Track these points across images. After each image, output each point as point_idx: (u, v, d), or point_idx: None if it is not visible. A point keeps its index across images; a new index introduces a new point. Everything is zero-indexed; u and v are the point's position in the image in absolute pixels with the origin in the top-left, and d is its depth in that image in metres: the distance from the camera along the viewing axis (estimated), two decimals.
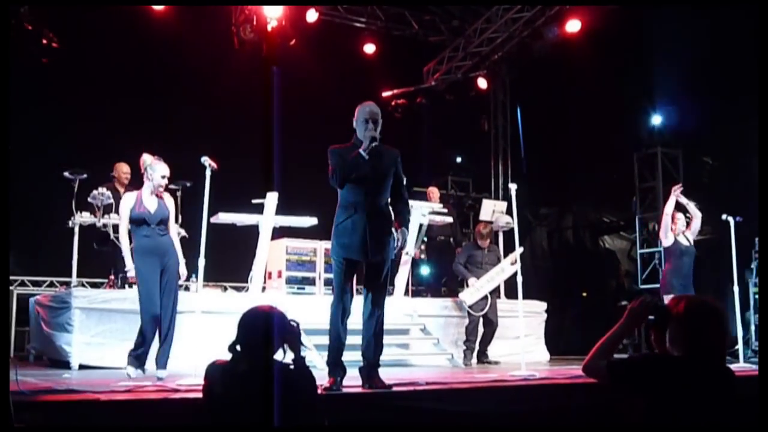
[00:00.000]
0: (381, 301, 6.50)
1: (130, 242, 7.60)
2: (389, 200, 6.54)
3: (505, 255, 10.92)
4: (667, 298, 8.67)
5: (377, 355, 6.47)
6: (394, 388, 6.24)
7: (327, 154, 6.41)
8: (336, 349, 6.35)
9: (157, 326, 7.37)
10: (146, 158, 8.10)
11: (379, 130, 6.39)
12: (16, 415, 4.15)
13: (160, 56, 12.92)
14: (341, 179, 6.29)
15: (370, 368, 6.38)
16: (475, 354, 10.49)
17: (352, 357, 6.47)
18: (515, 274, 8.83)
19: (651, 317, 3.52)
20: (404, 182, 6.69)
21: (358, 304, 6.54)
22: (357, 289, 7.18)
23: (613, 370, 3.48)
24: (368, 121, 6.37)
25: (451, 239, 12.53)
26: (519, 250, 9.30)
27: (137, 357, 7.41)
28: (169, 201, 7.75)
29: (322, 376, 6.31)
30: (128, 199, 7.59)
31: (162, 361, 7.41)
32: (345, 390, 6.12)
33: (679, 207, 9.97)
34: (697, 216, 9.96)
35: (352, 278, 6.50)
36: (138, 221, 7.46)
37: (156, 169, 7.61)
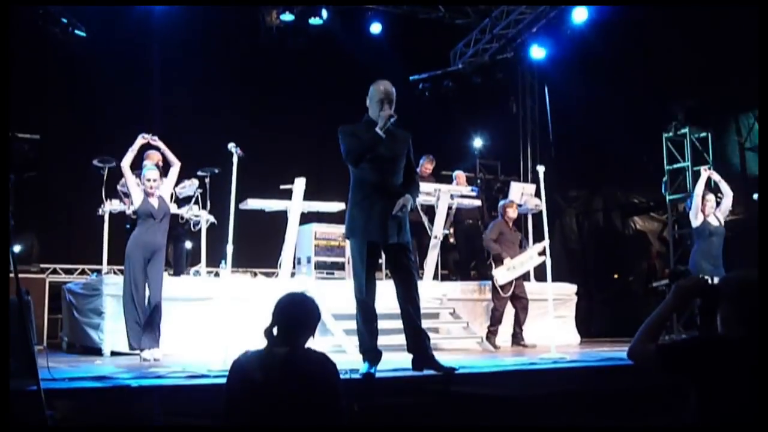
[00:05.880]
0: (414, 285, 6.38)
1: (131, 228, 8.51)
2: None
3: (534, 240, 10.87)
4: None
5: (428, 343, 6.40)
6: (426, 372, 6.22)
7: (337, 133, 6.31)
8: (364, 333, 6.27)
9: (138, 309, 7.94)
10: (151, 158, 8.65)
11: (394, 108, 6.26)
12: (47, 402, 4.19)
13: (185, 43, 12.93)
14: (357, 158, 6.16)
15: (427, 359, 6.27)
16: (510, 336, 10.44)
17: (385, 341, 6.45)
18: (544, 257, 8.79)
19: (698, 300, 3.29)
20: (414, 166, 6.61)
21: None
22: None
23: (664, 354, 3.23)
24: (383, 101, 6.24)
25: (479, 222, 12.48)
26: (546, 241, 9.25)
27: (137, 338, 7.96)
28: (164, 191, 8.46)
29: (349, 361, 6.33)
30: (139, 188, 8.33)
31: (151, 344, 7.94)
32: (379, 375, 6.07)
33: (711, 186, 9.88)
34: (728, 195, 9.87)
35: (375, 264, 6.40)
36: (145, 215, 8.14)
37: (143, 173, 8.37)
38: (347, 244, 10.54)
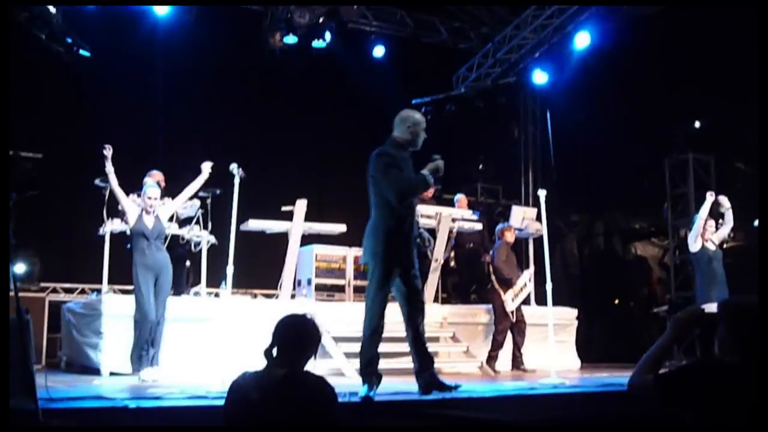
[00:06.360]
0: (424, 310, 6.54)
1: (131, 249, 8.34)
2: None
3: (535, 263, 10.89)
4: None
5: (433, 365, 6.52)
6: (425, 397, 6.20)
7: (377, 158, 6.36)
8: (373, 357, 6.29)
9: (149, 331, 7.96)
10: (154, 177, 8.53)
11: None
12: (45, 422, 4.17)
13: (189, 64, 12.94)
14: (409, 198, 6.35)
15: (433, 381, 6.39)
16: (510, 360, 10.41)
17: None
18: (545, 282, 8.76)
19: (697, 330, 3.30)
20: None
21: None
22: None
23: (661, 383, 3.22)
24: (426, 131, 6.47)
25: (481, 246, 12.46)
26: (531, 269, 9.31)
27: (141, 359, 7.96)
28: (162, 212, 8.38)
29: (349, 384, 6.31)
30: (135, 206, 8.35)
31: (151, 362, 7.97)
32: (378, 398, 6.06)
33: (713, 213, 9.85)
34: (729, 224, 9.84)
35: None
36: (138, 234, 8.16)
37: (144, 191, 8.32)
38: (348, 266, 10.56)
